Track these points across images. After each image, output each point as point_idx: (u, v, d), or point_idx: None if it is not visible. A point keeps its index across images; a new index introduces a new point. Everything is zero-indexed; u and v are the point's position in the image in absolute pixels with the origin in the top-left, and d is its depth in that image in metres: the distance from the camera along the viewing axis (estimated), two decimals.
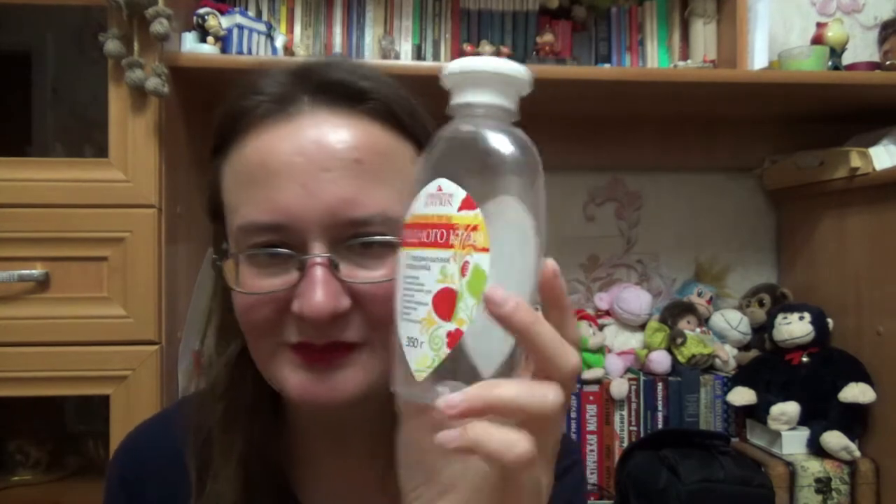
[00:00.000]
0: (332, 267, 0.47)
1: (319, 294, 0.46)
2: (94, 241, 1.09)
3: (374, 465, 0.55)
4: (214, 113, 0.55)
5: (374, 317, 0.48)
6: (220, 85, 1.21)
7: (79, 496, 1.25)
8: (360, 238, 0.48)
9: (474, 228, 0.37)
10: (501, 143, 0.38)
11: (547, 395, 0.36)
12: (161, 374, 1.10)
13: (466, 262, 0.37)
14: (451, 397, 0.35)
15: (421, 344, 0.37)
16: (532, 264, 0.38)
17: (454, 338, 0.37)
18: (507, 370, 0.38)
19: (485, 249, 0.37)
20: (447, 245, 0.37)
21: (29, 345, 1.08)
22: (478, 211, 0.37)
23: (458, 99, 0.40)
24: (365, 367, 0.49)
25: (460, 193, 0.37)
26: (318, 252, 0.47)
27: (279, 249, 0.48)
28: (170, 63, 1.13)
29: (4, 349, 1.08)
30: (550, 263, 0.37)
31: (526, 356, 0.38)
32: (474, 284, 0.37)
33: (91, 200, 1.09)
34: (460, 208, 0.37)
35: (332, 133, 0.49)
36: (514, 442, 0.35)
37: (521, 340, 0.37)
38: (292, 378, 0.50)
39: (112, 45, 1.08)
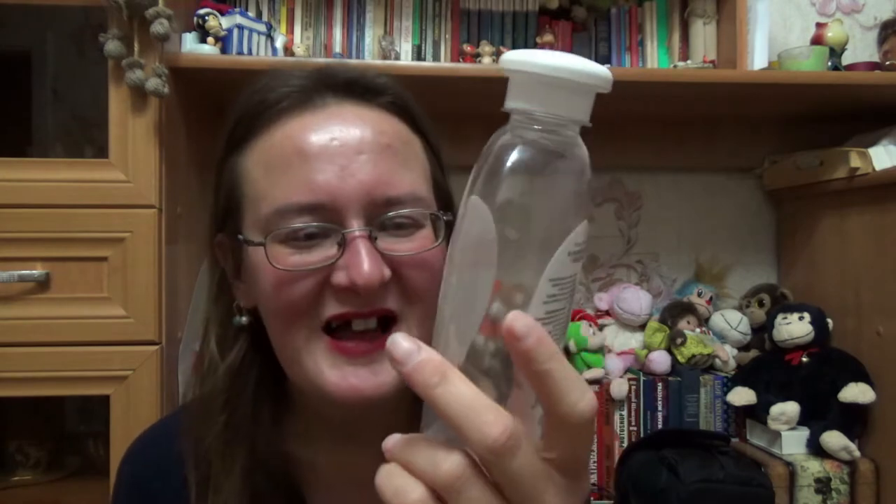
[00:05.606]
0: (372, 240, 0.50)
1: (368, 263, 0.48)
2: (94, 241, 1.09)
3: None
4: (228, 113, 0.56)
5: (410, 286, 0.51)
6: (221, 85, 1.24)
7: (79, 496, 1.25)
8: (394, 213, 0.51)
9: None
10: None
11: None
12: (161, 375, 1.10)
13: None
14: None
15: None
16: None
17: None
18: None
19: None
20: None
21: (29, 345, 1.08)
22: None
23: (555, 108, 0.32)
24: None
25: None
26: (359, 227, 0.50)
27: (322, 224, 0.50)
28: (170, 63, 1.13)
29: (4, 349, 1.08)
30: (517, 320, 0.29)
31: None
32: None
33: (91, 201, 1.09)
34: None
35: (361, 121, 0.53)
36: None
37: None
38: (332, 374, 0.50)
39: (112, 46, 1.08)
